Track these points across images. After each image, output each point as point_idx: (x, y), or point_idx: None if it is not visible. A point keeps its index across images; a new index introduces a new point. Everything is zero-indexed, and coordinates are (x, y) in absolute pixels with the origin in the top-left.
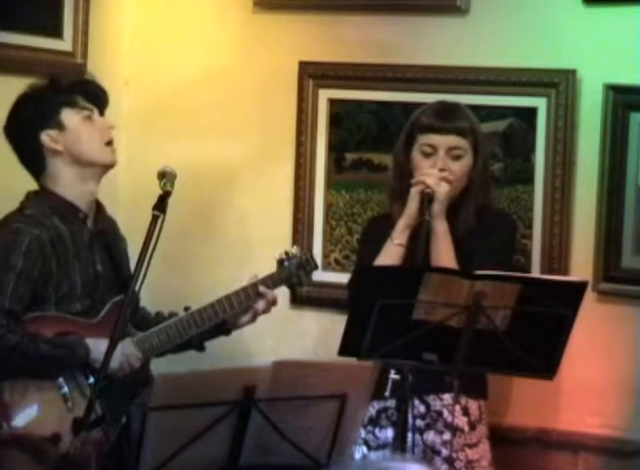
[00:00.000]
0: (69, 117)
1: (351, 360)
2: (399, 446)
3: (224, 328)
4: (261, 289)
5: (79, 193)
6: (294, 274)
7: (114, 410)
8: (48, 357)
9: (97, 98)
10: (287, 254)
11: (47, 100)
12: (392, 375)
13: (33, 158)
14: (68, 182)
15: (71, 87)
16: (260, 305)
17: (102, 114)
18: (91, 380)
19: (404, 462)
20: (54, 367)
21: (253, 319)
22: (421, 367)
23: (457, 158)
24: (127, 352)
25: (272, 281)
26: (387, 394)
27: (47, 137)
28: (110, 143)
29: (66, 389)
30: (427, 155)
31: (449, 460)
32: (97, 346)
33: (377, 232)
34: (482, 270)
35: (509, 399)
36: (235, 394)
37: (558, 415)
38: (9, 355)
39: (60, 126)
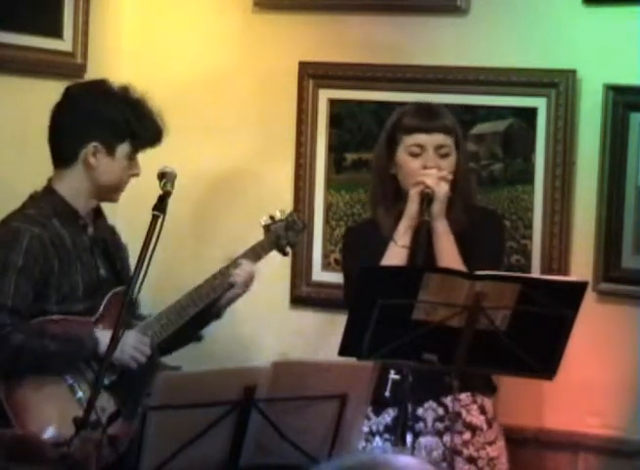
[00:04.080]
0: (124, 151)
1: (351, 360)
2: (400, 447)
3: (214, 313)
4: (239, 261)
5: (83, 203)
6: (282, 236)
7: (130, 403)
8: (56, 353)
9: (153, 143)
10: (272, 218)
11: (127, 119)
12: (392, 375)
13: (67, 150)
14: (77, 192)
15: (149, 125)
16: (237, 276)
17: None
18: (105, 382)
19: (395, 455)
20: (63, 362)
21: (233, 301)
22: (421, 367)
23: (445, 156)
24: (133, 343)
25: (262, 247)
26: (386, 394)
27: (92, 149)
28: (127, 183)
29: (80, 394)
30: (415, 155)
31: (471, 460)
32: (105, 337)
33: (360, 239)
34: (478, 270)
35: (509, 398)
36: (235, 394)
37: (558, 415)
38: (17, 354)
39: (111, 151)
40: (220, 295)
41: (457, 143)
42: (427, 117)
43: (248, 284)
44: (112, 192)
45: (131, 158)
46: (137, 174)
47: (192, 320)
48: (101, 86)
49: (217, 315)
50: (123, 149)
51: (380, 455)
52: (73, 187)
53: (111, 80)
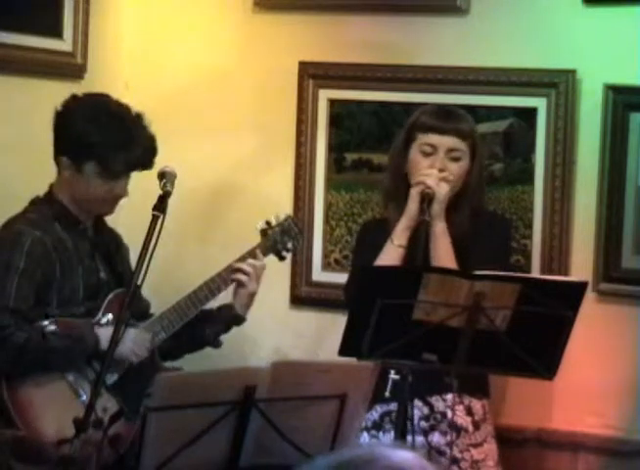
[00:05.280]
0: (92, 169)
1: (351, 360)
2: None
3: (236, 317)
4: (235, 265)
5: (79, 209)
6: (279, 241)
7: (131, 403)
8: (58, 349)
9: (126, 171)
10: (268, 223)
11: (93, 141)
12: (392, 375)
13: (54, 158)
14: (70, 198)
15: (119, 153)
16: (243, 277)
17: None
18: (107, 382)
19: (393, 449)
20: (65, 359)
21: (249, 297)
22: (421, 367)
23: (456, 159)
24: (134, 337)
25: (260, 251)
26: (387, 394)
27: (63, 162)
28: (111, 201)
29: (84, 397)
30: (426, 154)
31: (454, 461)
32: (105, 333)
33: (371, 237)
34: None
35: (509, 399)
36: (235, 394)
37: (558, 415)
38: (20, 353)
39: (78, 168)
40: (234, 300)
41: (473, 149)
42: (443, 119)
43: (257, 279)
44: (91, 206)
45: (106, 177)
46: (120, 196)
47: (212, 326)
48: (91, 103)
49: (238, 321)
50: (91, 168)
51: (377, 449)
52: (67, 194)
53: (110, 98)
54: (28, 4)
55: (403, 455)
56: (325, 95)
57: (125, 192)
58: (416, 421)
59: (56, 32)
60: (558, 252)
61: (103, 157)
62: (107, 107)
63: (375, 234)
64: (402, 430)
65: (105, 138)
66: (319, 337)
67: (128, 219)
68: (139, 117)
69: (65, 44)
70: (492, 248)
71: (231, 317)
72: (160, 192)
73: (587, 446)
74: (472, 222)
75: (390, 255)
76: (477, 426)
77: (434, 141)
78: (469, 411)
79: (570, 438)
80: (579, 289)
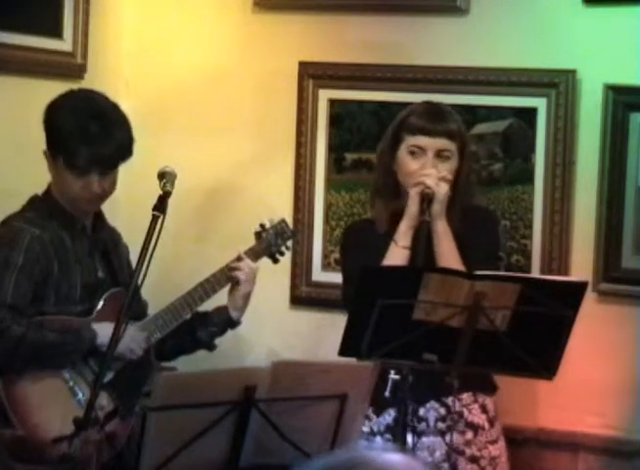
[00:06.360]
0: (61, 164)
1: (351, 360)
2: (400, 447)
3: (230, 320)
4: (232, 264)
5: (71, 207)
6: (273, 244)
7: (126, 401)
8: (55, 344)
9: (101, 165)
10: (262, 226)
11: (65, 136)
12: (392, 375)
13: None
14: (60, 197)
15: (85, 151)
16: (240, 274)
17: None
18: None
19: (383, 452)
20: (62, 354)
21: (244, 299)
22: (421, 367)
23: (445, 159)
24: (130, 333)
25: (253, 253)
26: (386, 394)
27: (47, 156)
28: (89, 199)
29: (80, 395)
30: (415, 155)
31: (474, 459)
32: (103, 329)
33: (359, 240)
34: (475, 269)
35: (509, 399)
36: (235, 394)
37: (558, 415)
38: (16, 346)
39: (55, 161)
40: (228, 303)
41: (461, 148)
42: (432, 120)
43: (252, 280)
44: (73, 203)
45: (73, 172)
46: (96, 194)
47: (205, 328)
48: (73, 98)
49: (233, 325)
50: (60, 162)
51: (368, 452)
52: (58, 191)
53: (97, 95)
54: (28, 4)
55: (393, 458)
56: (325, 95)
57: (104, 190)
58: (432, 422)
59: (56, 32)
60: (558, 252)
61: (68, 151)
62: (88, 102)
63: (361, 235)
64: (403, 430)
65: (74, 133)
66: (319, 337)
67: (128, 219)
68: (121, 116)
69: (65, 44)
70: (484, 245)
71: (225, 320)
72: (161, 192)
73: (587, 446)
74: (462, 219)
75: (396, 256)
76: (491, 423)
77: (422, 143)
78: (484, 409)
79: (569, 438)
80: (579, 289)
